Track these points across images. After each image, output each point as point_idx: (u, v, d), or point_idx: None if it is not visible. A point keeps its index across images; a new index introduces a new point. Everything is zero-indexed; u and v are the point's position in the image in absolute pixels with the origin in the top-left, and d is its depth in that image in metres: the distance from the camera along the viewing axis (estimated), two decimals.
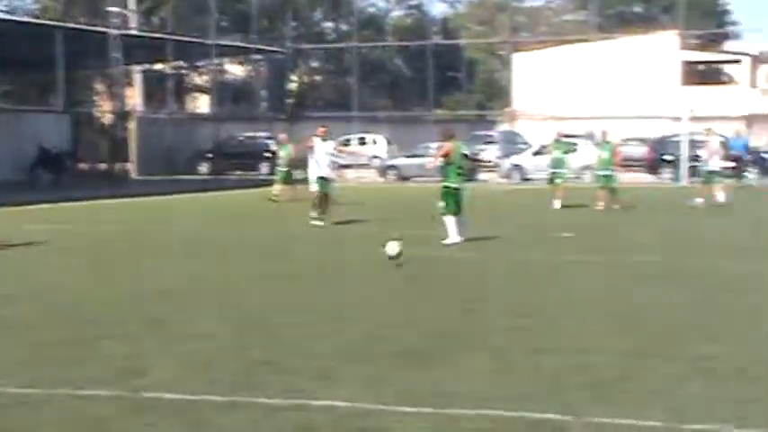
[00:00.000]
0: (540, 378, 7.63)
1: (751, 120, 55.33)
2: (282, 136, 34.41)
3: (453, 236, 17.73)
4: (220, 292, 12.55)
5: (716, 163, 28.58)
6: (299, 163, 33.69)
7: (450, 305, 11.29)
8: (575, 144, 39.99)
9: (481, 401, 6.91)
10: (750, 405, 6.85)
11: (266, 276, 13.94)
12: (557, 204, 26.68)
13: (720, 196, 27.42)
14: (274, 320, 10.30)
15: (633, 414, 6.58)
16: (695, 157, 33.01)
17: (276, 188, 31.84)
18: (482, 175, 46.77)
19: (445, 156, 18.20)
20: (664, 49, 56.82)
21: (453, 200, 17.95)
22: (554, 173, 27.41)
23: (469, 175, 41.01)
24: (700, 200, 27.36)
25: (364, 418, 6.60)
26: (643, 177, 43.84)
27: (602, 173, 26.87)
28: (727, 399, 7.01)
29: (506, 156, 47.66)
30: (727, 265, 14.74)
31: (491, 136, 54.22)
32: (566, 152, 27.78)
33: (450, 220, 17.88)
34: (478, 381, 7.58)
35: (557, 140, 28.21)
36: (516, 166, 45.52)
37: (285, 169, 31.79)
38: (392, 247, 14.73)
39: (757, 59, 72.52)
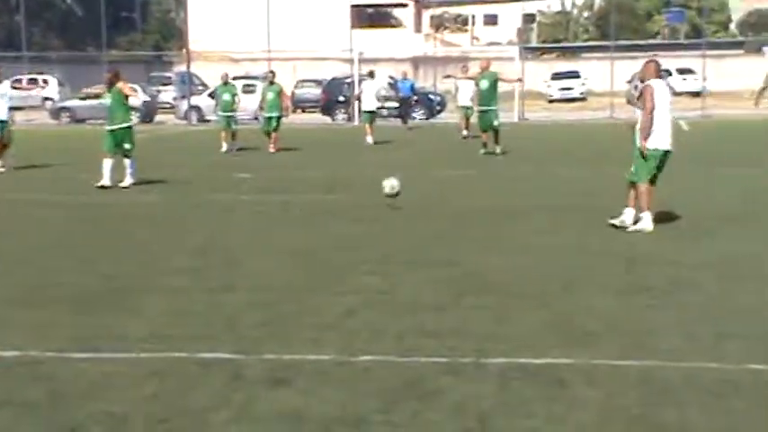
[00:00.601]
0: (216, 318, 7.72)
1: (417, 62, 57.86)
2: None
3: (129, 178, 17.45)
4: None
5: (372, 103, 30.17)
6: None
7: (128, 248, 11.17)
8: (252, 86, 40.21)
9: (158, 343, 6.93)
10: (410, 336, 7.15)
11: None
12: (234, 147, 26.75)
13: (369, 138, 28.63)
14: None
15: (306, 349, 6.76)
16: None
17: None
18: (159, 117, 46.14)
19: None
20: None
21: (132, 140, 17.65)
22: (227, 116, 27.31)
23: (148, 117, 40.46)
24: (369, 139, 28.45)
25: (35, 367, 6.43)
26: (319, 119, 44.81)
27: (268, 115, 27.04)
28: (396, 330, 7.29)
29: (183, 97, 47.20)
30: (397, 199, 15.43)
31: (169, 77, 53.62)
32: (234, 95, 27.77)
33: (126, 163, 17.56)
34: (156, 323, 7.57)
35: (224, 83, 28.08)
36: (194, 107, 45.22)
37: None
38: (390, 185, 13.83)
39: (421, 5, 75.70)
